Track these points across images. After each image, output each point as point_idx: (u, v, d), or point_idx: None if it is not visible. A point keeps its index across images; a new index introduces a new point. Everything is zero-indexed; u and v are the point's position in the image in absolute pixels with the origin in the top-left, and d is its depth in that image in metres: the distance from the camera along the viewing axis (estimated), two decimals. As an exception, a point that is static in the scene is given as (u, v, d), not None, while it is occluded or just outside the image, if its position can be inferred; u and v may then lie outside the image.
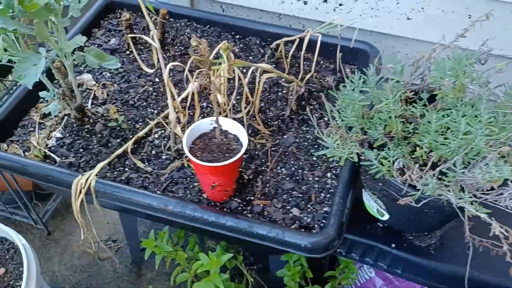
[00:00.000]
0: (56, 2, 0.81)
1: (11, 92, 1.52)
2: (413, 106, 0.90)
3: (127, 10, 1.39)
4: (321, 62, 1.28)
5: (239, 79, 1.00)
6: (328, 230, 0.88)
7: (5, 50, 0.81)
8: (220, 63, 0.85)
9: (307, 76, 1.16)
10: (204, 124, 0.92)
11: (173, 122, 0.91)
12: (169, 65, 0.86)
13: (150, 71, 0.92)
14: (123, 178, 1.00)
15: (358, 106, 0.87)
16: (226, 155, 0.89)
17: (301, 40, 1.15)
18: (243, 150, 0.87)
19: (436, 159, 0.82)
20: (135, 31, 1.29)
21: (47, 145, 1.05)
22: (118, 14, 1.39)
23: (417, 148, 0.85)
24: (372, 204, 0.97)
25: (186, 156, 1.03)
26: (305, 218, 0.94)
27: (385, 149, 0.85)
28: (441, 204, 0.81)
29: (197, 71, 0.87)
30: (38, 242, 1.74)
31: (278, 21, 1.48)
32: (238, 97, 1.11)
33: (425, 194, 0.78)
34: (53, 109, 1.00)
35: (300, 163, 1.04)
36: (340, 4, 1.35)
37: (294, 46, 1.15)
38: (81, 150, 1.05)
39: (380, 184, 0.89)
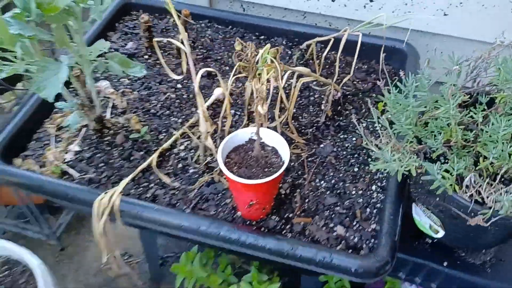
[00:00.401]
0: (76, 5, 0.73)
1: (21, 101, 1.44)
2: (470, 111, 0.81)
3: (143, 12, 1.31)
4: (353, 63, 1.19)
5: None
6: (381, 252, 0.79)
7: (22, 59, 0.72)
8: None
9: (345, 79, 1.07)
10: (239, 136, 0.83)
11: (204, 134, 0.83)
12: (201, 71, 0.77)
13: (178, 77, 0.83)
14: (148, 195, 0.91)
15: (412, 113, 0.78)
16: (265, 170, 0.80)
17: (334, 40, 1.06)
18: (285, 164, 0.78)
19: (503, 171, 0.73)
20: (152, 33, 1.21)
21: (64, 159, 0.96)
22: (134, 16, 1.31)
23: (480, 159, 0.76)
24: (425, 220, 0.88)
25: (217, 170, 0.94)
26: (352, 237, 0.85)
27: (444, 160, 0.76)
28: (509, 222, 0.73)
29: (234, 76, 0.78)
30: (51, 258, 1.66)
31: (302, 19, 1.39)
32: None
33: (497, 212, 0.69)
34: (73, 122, 0.91)
35: (340, 174, 0.96)
36: (371, 0, 1.26)
37: (329, 46, 1.06)
38: (102, 164, 0.96)
39: (437, 199, 0.80)
